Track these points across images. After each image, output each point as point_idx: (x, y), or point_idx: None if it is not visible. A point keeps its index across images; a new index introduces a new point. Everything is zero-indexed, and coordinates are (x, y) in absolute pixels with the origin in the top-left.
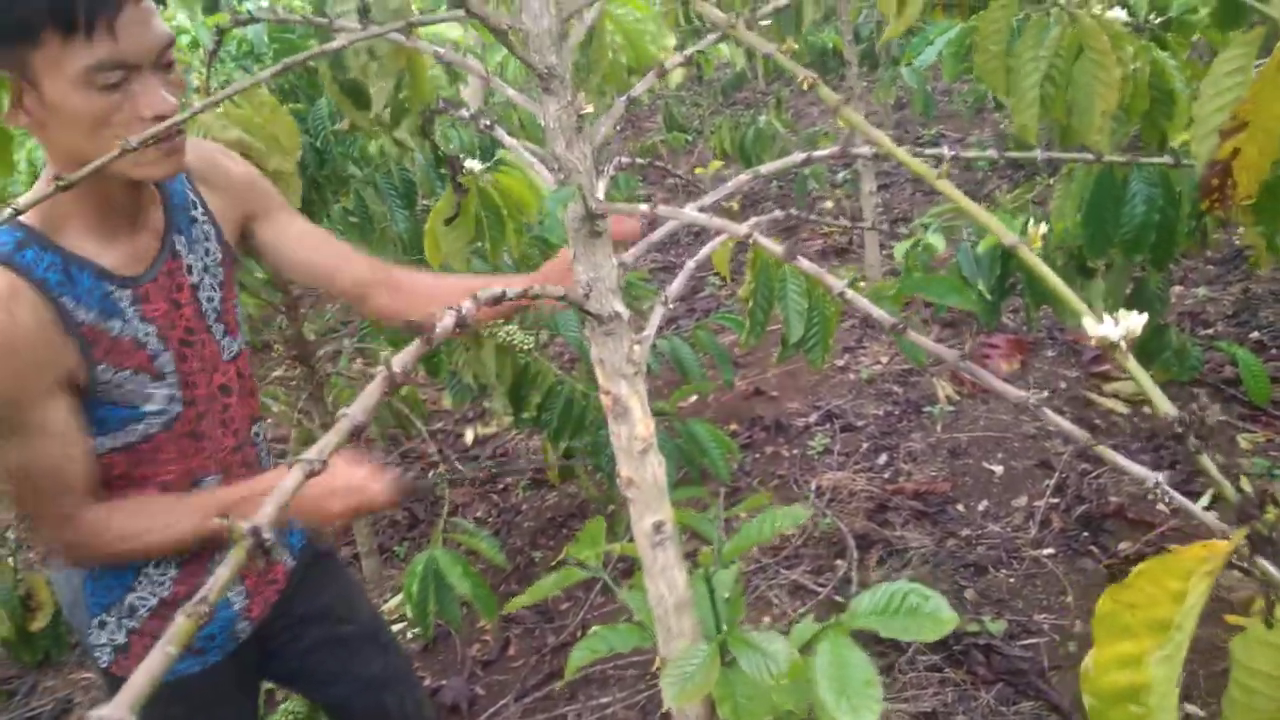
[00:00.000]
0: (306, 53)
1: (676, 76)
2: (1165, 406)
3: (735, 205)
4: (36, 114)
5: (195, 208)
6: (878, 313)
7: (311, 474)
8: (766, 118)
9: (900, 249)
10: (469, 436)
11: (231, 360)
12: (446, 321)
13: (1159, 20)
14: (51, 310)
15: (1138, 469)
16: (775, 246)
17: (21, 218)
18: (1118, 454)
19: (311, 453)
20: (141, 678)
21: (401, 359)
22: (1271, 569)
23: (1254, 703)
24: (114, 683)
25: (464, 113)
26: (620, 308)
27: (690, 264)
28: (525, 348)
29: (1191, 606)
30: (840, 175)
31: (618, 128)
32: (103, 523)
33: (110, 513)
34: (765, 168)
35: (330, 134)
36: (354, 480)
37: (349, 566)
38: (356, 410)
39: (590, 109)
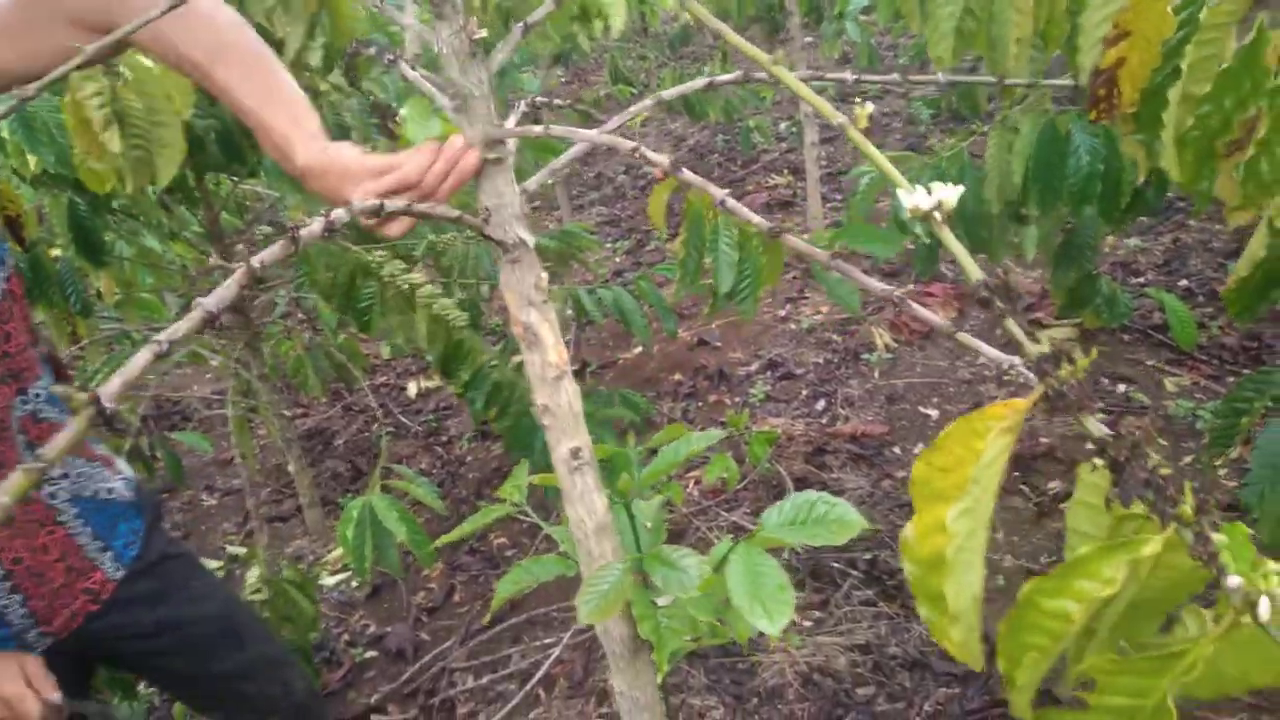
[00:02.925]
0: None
1: (620, 27)
2: (974, 272)
3: (687, 158)
4: None
5: None
6: (756, 219)
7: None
8: (711, 70)
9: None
10: (412, 390)
11: None
12: (314, 227)
13: None
14: None
15: (994, 352)
16: (661, 159)
17: None
18: (980, 342)
19: (163, 335)
20: None
21: (262, 255)
22: (1094, 424)
23: None
24: None
25: (373, 49)
26: (525, 235)
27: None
28: (459, 324)
29: (989, 461)
30: (784, 127)
31: (563, 80)
32: None
33: None
34: (667, 93)
35: None
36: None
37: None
38: (211, 300)
39: (484, 33)
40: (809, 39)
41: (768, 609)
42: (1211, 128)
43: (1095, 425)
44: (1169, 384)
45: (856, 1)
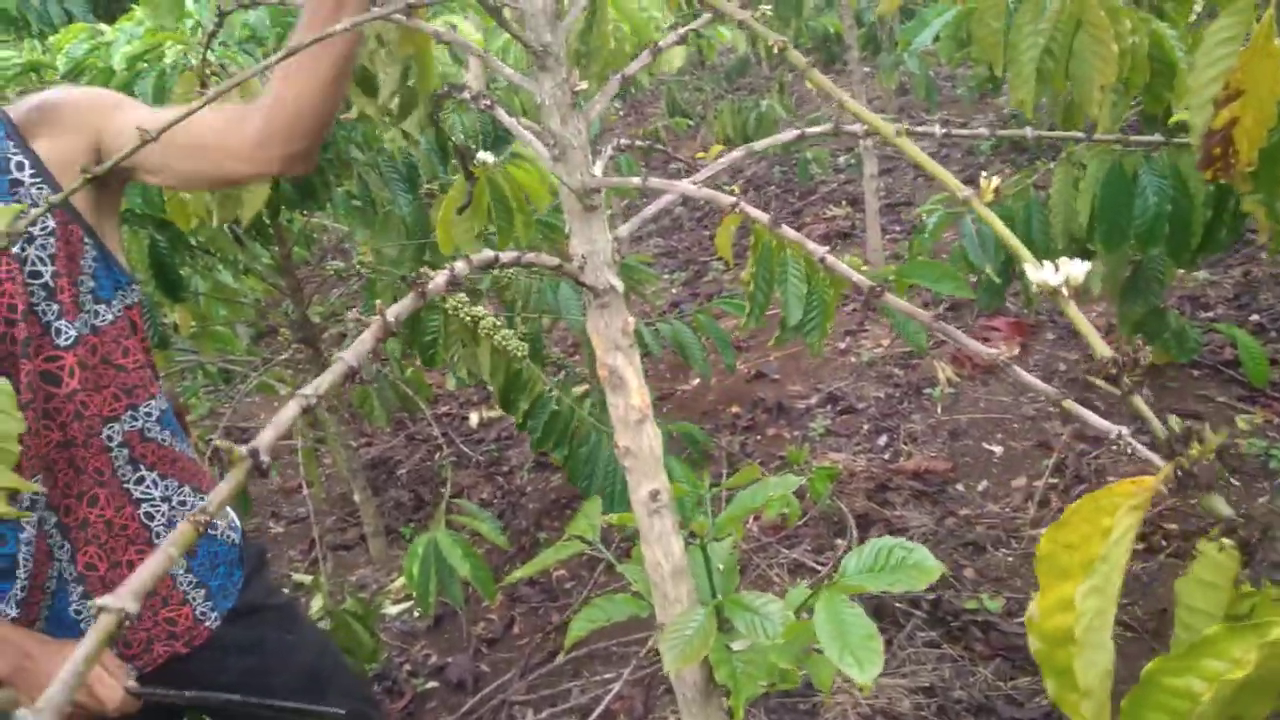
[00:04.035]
0: (313, 38)
1: (678, 60)
2: (1101, 348)
3: (737, 189)
4: None
5: (20, 169)
6: (857, 277)
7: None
8: (769, 102)
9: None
10: (474, 420)
11: (68, 347)
12: (439, 280)
13: None
14: None
15: (1102, 423)
16: (761, 215)
17: None
18: (1086, 410)
19: (308, 389)
20: (146, 574)
21: (395, 309)
22: (1220, 503)
23: (1194, 638)
24: None
25: (466, 94)
26: (615, 281)
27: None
28: (519, 355)
29: (1118, 540)
30: (842, 159)
31: (620, 113)
32: None
33: None
34: (759, 144)
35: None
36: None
37: (299, 602)
38: (350, 354)
39: (585, 85)
40: (866, 69)
41: (858, 658)
42: None
43: (1223, 506)
44: (1241, 422)
45: (920, 39)
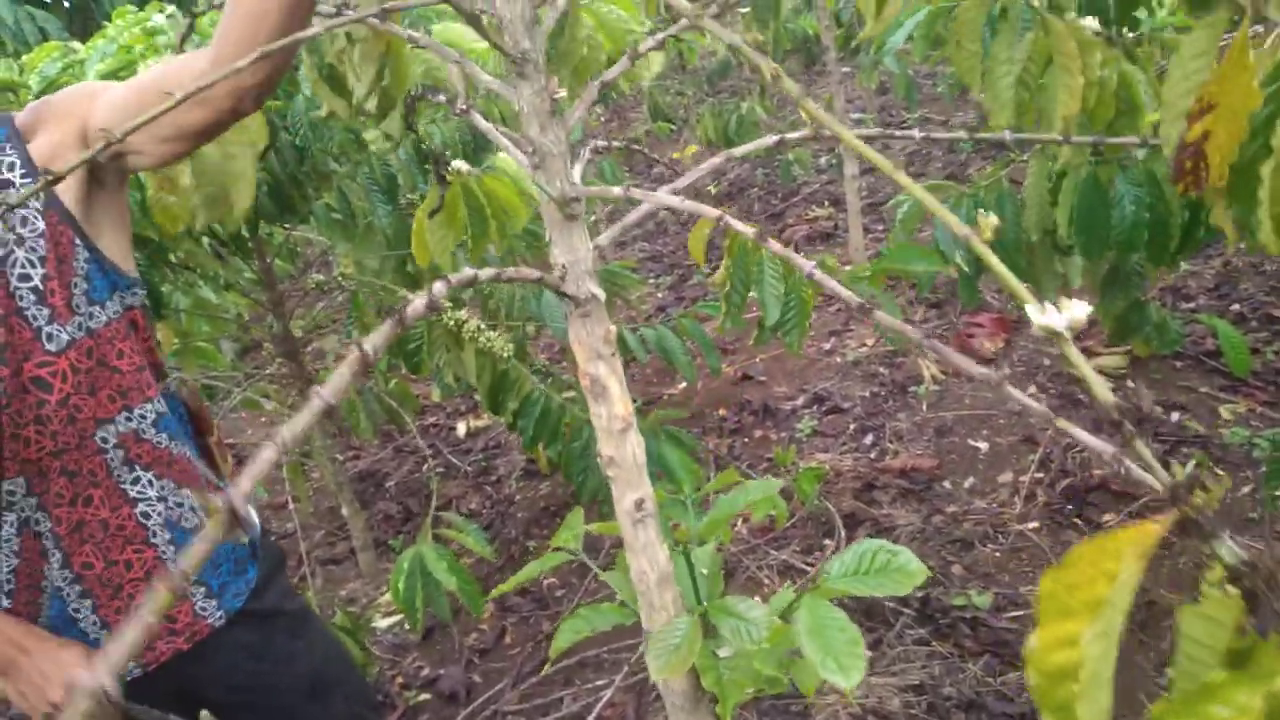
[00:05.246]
0: (280, 42)
1: (657, 66)
2: (1104, 395)
3: (713, 190)
4: None
5: (11, 169)
6: (845, 293)
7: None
8: (750, 104)
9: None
10: (461, 430)
11: (60, 352)
12: (418, 304)
13: (1131, 35)
14: None
15: (1097, 442)
16: (747, 229)
17: None
18: (1081, 430)
19: (284, 432)
20: (124, 646)
21: (373, 339)
22: (1227, 550)
23: (1196, 670)
24: None
25: (441, 97)
26: (596, 290)
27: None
28: (505, 355)
29: (1123, 585)
30: (824, 160)
31: (602, 118)
32: None
33: None
34: (738, 150)
35: (310, 130)
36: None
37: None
38: (328, 390)
39: (564, 93)
40: (845, 69)
41: (841, 664)
42: None
43: (1230, 552)
44: (1224, 411)
45: (894, 39)
